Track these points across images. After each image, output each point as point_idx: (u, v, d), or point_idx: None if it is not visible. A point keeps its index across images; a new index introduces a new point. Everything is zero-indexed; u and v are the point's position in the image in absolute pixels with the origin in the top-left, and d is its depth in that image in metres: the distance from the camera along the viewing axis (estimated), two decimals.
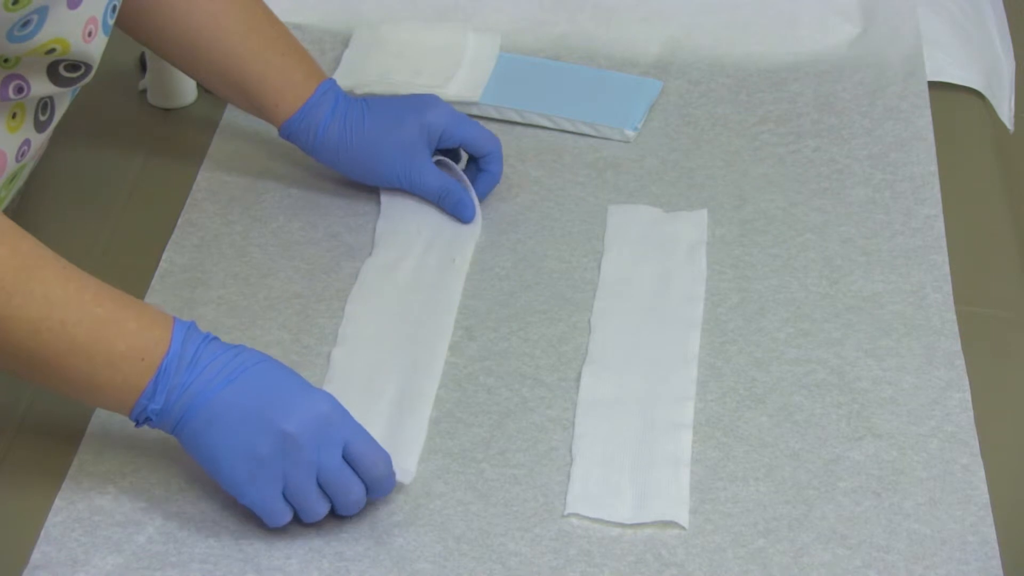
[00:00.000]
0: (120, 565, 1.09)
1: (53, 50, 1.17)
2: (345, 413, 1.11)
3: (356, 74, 1.52)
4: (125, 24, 1.35)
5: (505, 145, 1.47)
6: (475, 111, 1.50)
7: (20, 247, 1.08)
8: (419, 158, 1.37)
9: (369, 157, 1.37)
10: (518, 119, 1.49)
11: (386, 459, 1.11)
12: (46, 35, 1.15)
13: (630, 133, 1.47)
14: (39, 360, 1.08)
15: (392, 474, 1.12)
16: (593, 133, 1.48)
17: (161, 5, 1.34)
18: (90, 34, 1.19)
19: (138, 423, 1.11)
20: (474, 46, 1.56)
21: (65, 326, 1.08)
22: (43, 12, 1.14)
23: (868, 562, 1.10)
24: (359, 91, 1.49)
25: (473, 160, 1.41)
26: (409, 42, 1.56)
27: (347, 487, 1.10)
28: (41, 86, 1.20)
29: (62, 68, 1.21)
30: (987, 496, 1.15)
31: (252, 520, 1.12)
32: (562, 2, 1.65)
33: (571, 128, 1.48)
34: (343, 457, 1.10)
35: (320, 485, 1.10)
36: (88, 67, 1.22)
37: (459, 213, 1.38)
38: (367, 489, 1.11)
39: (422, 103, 1.38)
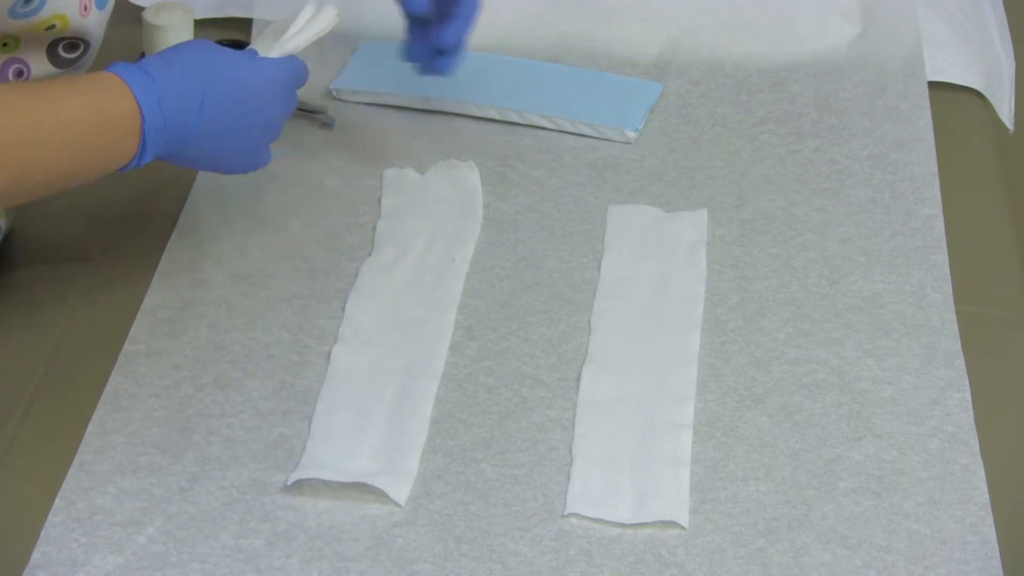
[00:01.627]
0: (120, 565, 1.09)
1: (53, 26, 1.18)
2: (287, 63, 1.25)
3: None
4: None
5: (505, 145, 1.47)
6: (474, 111, 1.50)
7: None
8: None
9: None
10: (518, 120, 1.48)
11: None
12: (48, 11, 1.17)
13: (631, 134, 1.47)
14: (28, 179, 1.13)
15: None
16: (594, 134, 1.47)
17: None
18: (85, 8, 1.20)
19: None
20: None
21: (44, 128, 1.12)
22: None
23: (868, 562, 1.10)
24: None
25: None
26: None
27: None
28: (41, 68, 1.21)
29: (61, 48, 1.21)
30: (987, 496, 1.15)
31: (252, 520, 1.12)
32: (562, 2, 1.65)
33: (571, 129, 1.48)
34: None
35: None
36: (87, 44, 1.23)
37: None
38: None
39: None
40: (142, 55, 1.54)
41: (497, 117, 1.49)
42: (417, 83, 1.45)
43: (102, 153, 1.16)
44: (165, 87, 1.17)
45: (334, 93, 1.50)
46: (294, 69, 1.26)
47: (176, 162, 1.21)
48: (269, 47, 1.26)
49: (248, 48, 1.26)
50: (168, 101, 1.17)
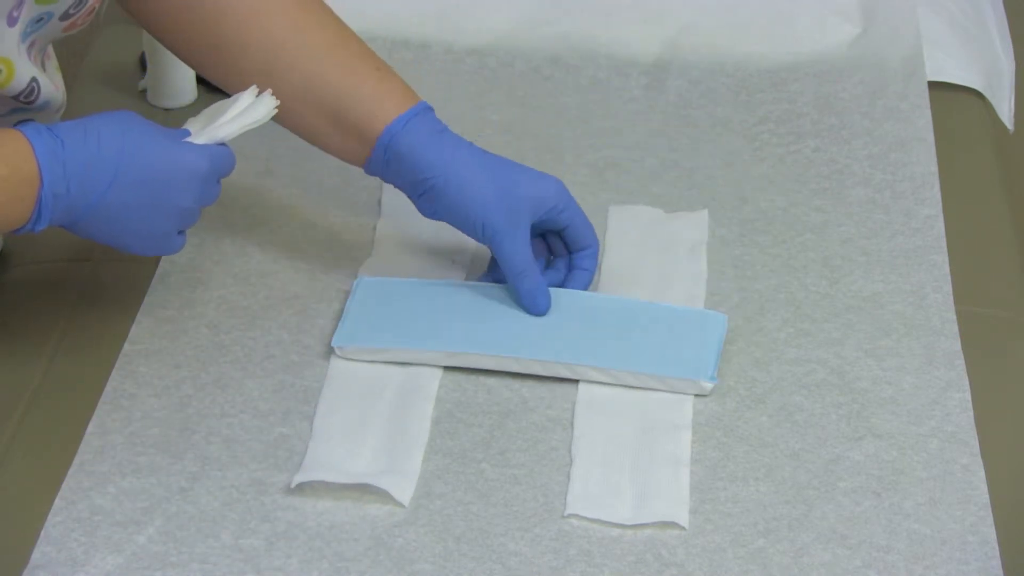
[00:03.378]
0: (120, 565, 1.09)
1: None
2: (212, 152, 1.18)
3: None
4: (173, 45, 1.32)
5: (505, 145, 1.47)
6: (511, 366, 1.24)
7: None
8: (517, 222, 1.25)
9: (464, 194, 1.25)
10: (568, 375, 1.23)
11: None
12: None
13: (707, 385, 1.22)
14: None
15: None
16: (662, 387, 1.22)
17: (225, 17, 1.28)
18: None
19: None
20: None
21: None
22: None
23: (868, 562, 1.10)
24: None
25: (566, 252, 1.29)
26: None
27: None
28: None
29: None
30: (987, 496, 1.15)
31: (252, 520, 1.12)
32: (562, 2, 1.65)
33: (634, 383, 1.22)
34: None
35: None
36: (33, 86, 1.22)
37: (530, 301, 1.25)
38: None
39: (537, 174, 1.27)
40: (142, 55, 1.55)
41: (543, 373, 1.24)
42: (439, 336, 1.25)
43: None
44: (73, 155, 1.13)
45: (337, 352, 1.25)
46: (220, 159, 1.19)
47: (75, 232, 1.16)
48: (201, 129, 1.19)
49: (181, 128, 1.20)
50: (74, 171, 1.13)
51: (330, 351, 1.25)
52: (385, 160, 1.27)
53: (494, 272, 1.30)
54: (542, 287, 1.26)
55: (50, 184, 1.12)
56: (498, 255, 1.25)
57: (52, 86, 1.24)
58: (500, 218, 1.24)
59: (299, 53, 1.26)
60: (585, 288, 1.28)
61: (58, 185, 1.12)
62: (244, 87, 1.22)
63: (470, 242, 1.36)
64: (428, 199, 1.26)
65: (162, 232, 1.18)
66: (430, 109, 1.28)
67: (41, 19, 1.20)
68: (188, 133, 1.20)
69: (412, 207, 1.32)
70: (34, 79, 1.21)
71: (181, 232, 1.20)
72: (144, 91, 1.54)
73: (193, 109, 1.52)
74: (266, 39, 1.26)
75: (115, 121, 1.16)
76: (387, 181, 1.29)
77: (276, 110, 1.21)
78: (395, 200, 1.40)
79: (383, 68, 1.29)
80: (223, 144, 1.20)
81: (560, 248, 1.29)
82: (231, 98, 1.22)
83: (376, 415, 1.21)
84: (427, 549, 1.11)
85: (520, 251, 1.25)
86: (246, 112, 1.20)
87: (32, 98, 1.22)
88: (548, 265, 1.30)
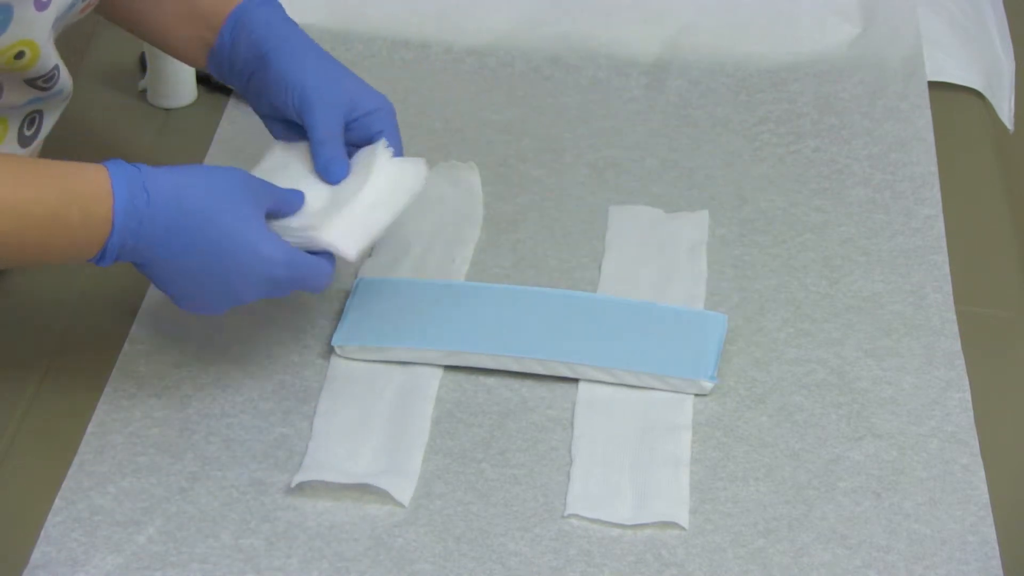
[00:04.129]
0: (120, 565, 1.09)
1: (22, 54, 1.17)
2: (296, 263, 1.15)
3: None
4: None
5: (505, 145, 1.47)
6: (511, 366, 1.24)
7: None
8: (335, 102, 1.23)
9: (292, 64, 1.24)
10: (569, 373, 1.23)
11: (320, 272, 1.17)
12: (12, 37, 1.15)
13: (707, 384, 1.22)
14: None
15: (326, 274, 1.17)
16: (662, 387, 1.23)
17: None
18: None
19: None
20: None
21: (20, 232, 1.09)
22: (7, 11, 1.13)
23: (868, 562, 1.10)
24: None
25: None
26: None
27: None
28: (18, 95, 1.20)
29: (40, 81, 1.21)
30: (987, 496, 1.15)
31: (252, 520, 1.12)
32: (562, 2, 1.65)
33: (635, 382, 1.22)
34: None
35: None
36: (56, 70, 1.22)
37: (325, 169, 1.23)
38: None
39: (370, 88, 1.26)
40: (142, 55, 1.55)
41: (543, 372, 1.25)
42: (438, 335, 1.25)
43: (51, 260, 1.14)
44: (152, 216, 1.12)
45: (337, 351, 1.26)
46: (304, 270, 1.16)
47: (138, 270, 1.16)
48: (324, 208, 1.17)
49: (293, 193, 1.18)
50: (149, 231, 1.12)
51: (330, 351, 1.25)
52: (231, 42, 1.27)
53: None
54: (340, 158, 1.22)
55: (120, 235, 1.12)
56: (307, 121, 1.23)
57: (66, 72, 1.25)
58: (321, 89, 1.23)
59: None
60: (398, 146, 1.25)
61: (128, 239, 1.12)
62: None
63: (470, 241, 1.36)
64: (259, 76, 1.26)
65: (217, 305, 1.17)
66: (280, 5, 1.29)
67: (73, 4, 1.20)
68: (300, 198, 1.19)
69: (412, 208, 1.32)
70: (56, 66, 1.22)
71: (225, 309, 1.18)
72: (144, 91, 1.54)
73: (193, 109, 1.52)
74: None
75: (215, 191, 1.14)
76: (227, 78, 1.30)
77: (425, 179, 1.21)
78: None
79: None
80: (329, 257, 1.17)
81: None
82: (362, 159, 1.21)
83: (376, 415, 1.21)
84: (427, 549, 1.11)
85: (328, 123, 1.23)
86: (392, 187, 1.20)
87: (51, 84, 1.23)
88: None
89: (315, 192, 1.20)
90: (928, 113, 1.52)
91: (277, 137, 1.27)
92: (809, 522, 1.13)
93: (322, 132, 1.22)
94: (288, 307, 1.30)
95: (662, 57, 1.60)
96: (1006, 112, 1.60)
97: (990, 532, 1.12)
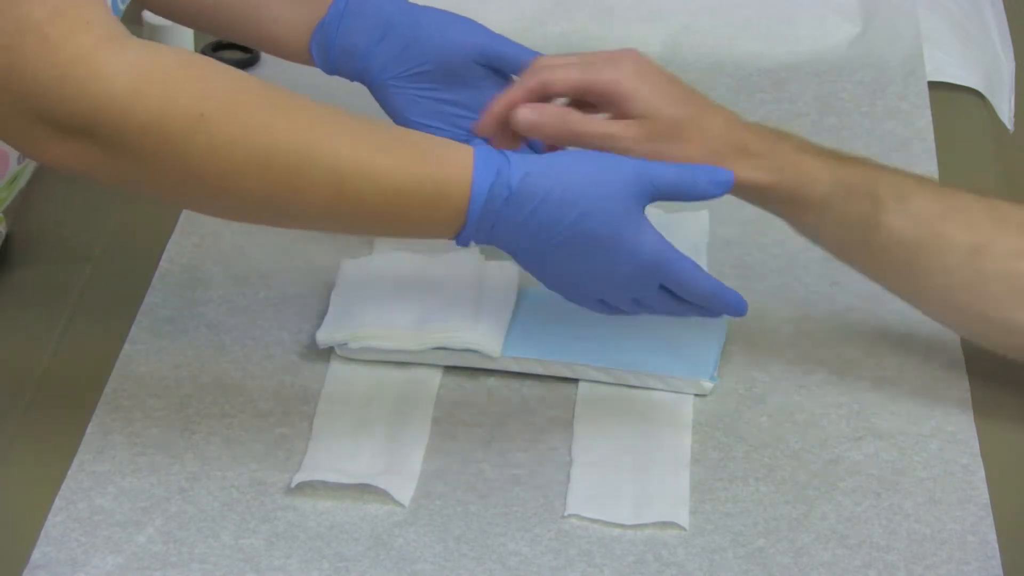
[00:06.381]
0: (120, 565, 1.09)
1: None
2: (669, 258, 1.11)
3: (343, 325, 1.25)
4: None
5: None
6: (511, 366, 1.24)
7: (298, 116, 1.05)
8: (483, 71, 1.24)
9: (445, 21, 1.24)
10: (569, 374, 1.23)
11: (722, 297, 1.14)
12: None
13: (708, 384, 1.22)
14: (338, 222, 1.09)
15: (719, 297, 1.14)
16: (662, 387, 1.23)
17: None
18: None
19: None
20: (493, 279, 1.28)
21: (361, 196, 1.06)
22: None
23: (868, 562, 1.10)
24: (354, 345, 1.24)
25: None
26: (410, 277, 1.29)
27: (661, 310, 1.14)
28: None
29: None
30: (987, 496, 1.15)
31: (252, 520, 1.12)
32: (562, 2, 1.65)
33: (635, 382, 1.22)
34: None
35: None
36: None
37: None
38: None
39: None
40: None
41: (543, 372, 1.24)
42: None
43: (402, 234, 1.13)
44: (540, 179, 1.08)
45: (337, 351, 1.25)
46: (674, 264, 1.12)
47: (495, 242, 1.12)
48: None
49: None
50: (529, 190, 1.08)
51: (330, 351, 1.25)
52: (343, 11, 1.25)
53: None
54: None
55: (474, 224, 1.08)
56: (510, 53, 1.24)
57: None
58: (504, 41, 1.23)
59: None
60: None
61: (482, 233, 1.09)
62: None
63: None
64: (390, 41, 1.24)
65: (583, 288, 1.13)
66: None
67: None
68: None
69: None
70: None
71: (599, 304, 1.15)
72: None
73: None
74: None
75: (589, 190, 1.10)
76: (331, 53, 1.26)
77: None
78: None
79: None
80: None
81: None
82: None
83: (376, 415, 1.21)
84: (427, 549, 1.11)
85: (523, 51, 1.23)
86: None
87: None
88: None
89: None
90: (928, 113, 1.52)
91: (405, 102, 1.26)
92: (809, 522, 1.13)
93: (528, 55, 1.22)
94: (288, 307, 1.30)
95: (662, 57, 1.60)
96: (1006, 112, 1.60)
97: (990, 532, 1.12)
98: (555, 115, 1.16)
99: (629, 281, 1.12)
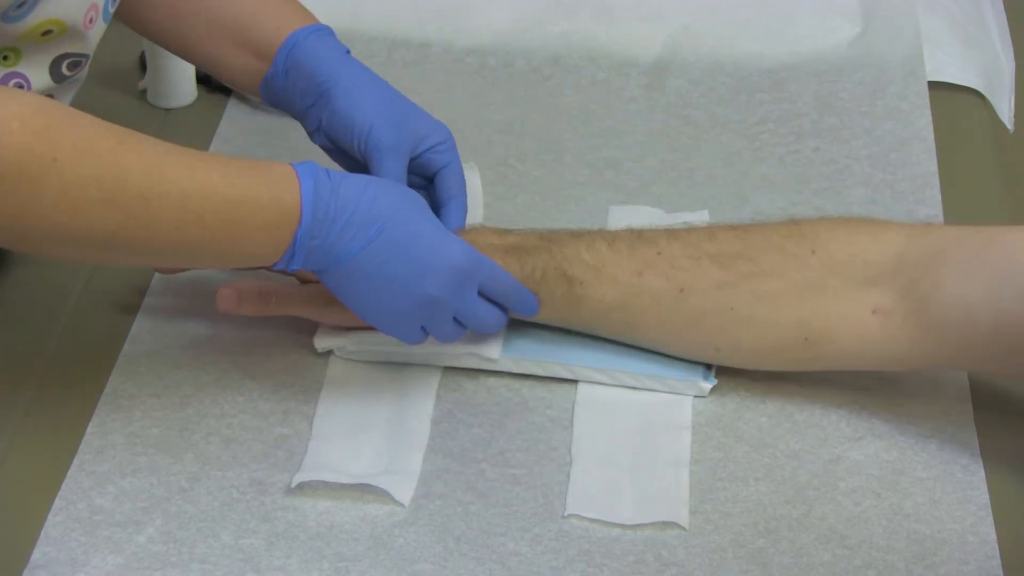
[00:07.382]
0: (120, 565, 1.09)
1: (50, 31, 1.17)
2: (480, 258, 1.16)
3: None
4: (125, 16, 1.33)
5: (505, 145, 1.47)
6: (510, 368, 1.24)
7: (144, 150, 1.09)
8: (399, 142, 1.25)
9: (354, 102, 1.26)
10: (567, 375, 1.24)
11: (520, 295, 1.20)
12: (42, 14, 1.15)
13: (706, 386, 1.22)
14: (181, 249, 1.11)
15: (531, 297, 1.20)
16: (662, 388, 1.23)
17: None
18: (91, 21, 1.19)
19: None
20: None
21: (203, 217, 1.09)
22: None
23: (868, 562, 1.10)
24: (352, 347, 1.25)
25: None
26: None
27: (483, 321, 1.19)
28: (41, 82, 1.20)
29: (65, 67, 1.21)
30: (987, 496, 1.15)
31: (252, 520, 1.12)
32: (562, 2, 1.65)
33: (633, 383, 1.23)
34: (480, 293, 1.18)
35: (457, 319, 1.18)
36: (86, 58, 1.22)
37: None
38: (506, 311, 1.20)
39: (428, 115, 1.29)
40: (142, 55, 1.55)
41: (542, 374, 1.25)
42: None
43: (237, 261, 1.15)
44: (343, 202, 1.12)
45: (337, 352, 1.26)
46: (483, 269, 1.16)
47: (324, 280, 1.16)
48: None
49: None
50: (338, 216, 1.12)
51: (330, 351, 1.25)
52: (284, 71, 1.28)
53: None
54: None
55: (308, 226, 1.12)
56: (374, 164, 1.25)
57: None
58: (385, 132, 1.25)
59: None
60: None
61: (315, 234, 1.12)
62: (147, 18, 1.29)
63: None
64: (318, 109, 1.27)
65: (400, 311, 1.16)
66: (332, 32, 1.30)
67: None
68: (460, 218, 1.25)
69: None
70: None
71: (424, 331, 1.18)
72: (144, 91, 1.54)
73: (193, 109, 1.53)
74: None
75: (395, 193, 1.16)
76: (279, 104, 1.30)
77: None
78: None
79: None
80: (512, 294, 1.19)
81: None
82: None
83: (376, 415, 1.21)
84: (427, 549, 1.11)
85: (395, 166, 1.25)
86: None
87: (79, 72, 1.23)
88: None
89: None
90: (928, 113, 1.52)
91: (335, 161, 1.29)
92: (809, 522, 1.13)
93: (389, 176, 1.24)
94: None
95: (662, 57, 1.60)
96: (1006, 112, 1.60)
97: (990, 532, 1.12)
98: (255, 296, 1.24)
99: (442, 275, 1.15)
